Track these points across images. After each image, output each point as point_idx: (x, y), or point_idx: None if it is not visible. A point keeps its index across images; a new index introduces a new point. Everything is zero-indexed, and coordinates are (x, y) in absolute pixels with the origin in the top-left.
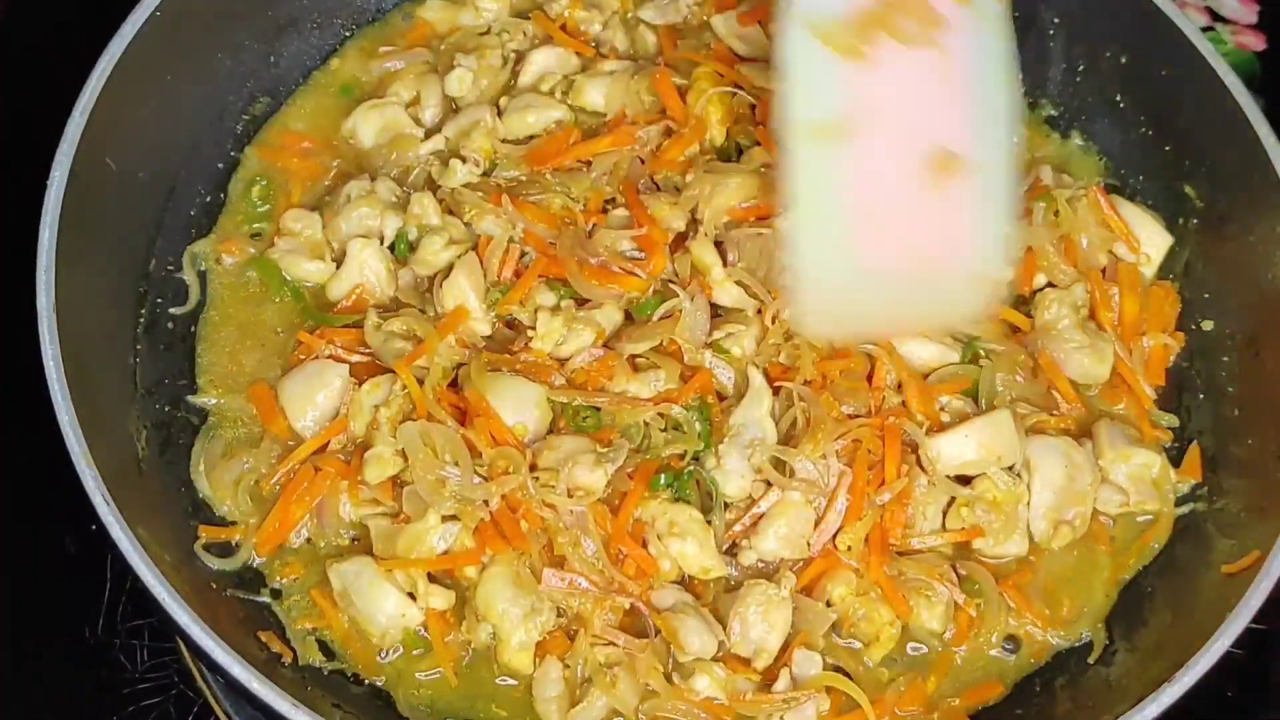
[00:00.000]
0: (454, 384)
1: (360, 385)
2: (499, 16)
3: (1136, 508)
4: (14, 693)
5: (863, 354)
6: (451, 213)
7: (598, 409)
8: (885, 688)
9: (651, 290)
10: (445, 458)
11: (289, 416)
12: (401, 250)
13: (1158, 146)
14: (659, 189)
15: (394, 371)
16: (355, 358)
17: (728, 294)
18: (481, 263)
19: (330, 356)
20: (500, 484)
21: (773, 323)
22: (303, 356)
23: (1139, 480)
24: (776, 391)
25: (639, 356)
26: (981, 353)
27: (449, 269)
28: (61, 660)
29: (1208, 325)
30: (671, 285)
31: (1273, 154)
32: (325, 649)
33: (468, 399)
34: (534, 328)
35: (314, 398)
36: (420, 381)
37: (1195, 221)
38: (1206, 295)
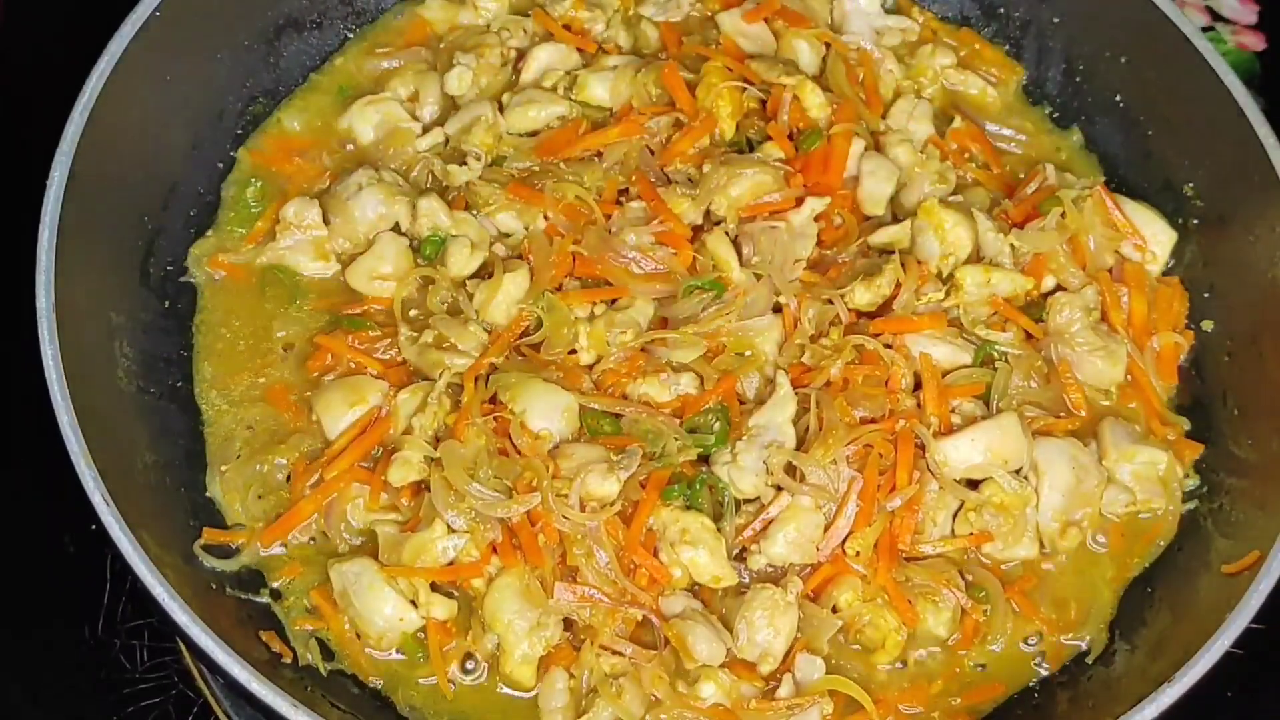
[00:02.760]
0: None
1: (395, 392)
2: (498, 15)
3: (1143, 506)
4: (14, 693)
5: (887, 359)
6: (469, 206)
7: (619, 416)
8: (889, 687)
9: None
10: (481, 474)
11: (324, 428)
12: (429, 254)
13: (1158, 146)
14: (670, 181)
15: (428, 379)
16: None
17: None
18: (530, 268)
19: (355, 363)
20: (523, 502)
21: (795, 324)
22: (326, 362)
23: (1145, 479)
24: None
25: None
26: (996, 355)
27: (477, 272)
28: (61, 660)
29: (1208, 325)
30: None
31: (1273, 154)
32: (325, 649)
33: (501, 406)
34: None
35: (350, 411)
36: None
37: (1195, 221)
38: (1207, 295)
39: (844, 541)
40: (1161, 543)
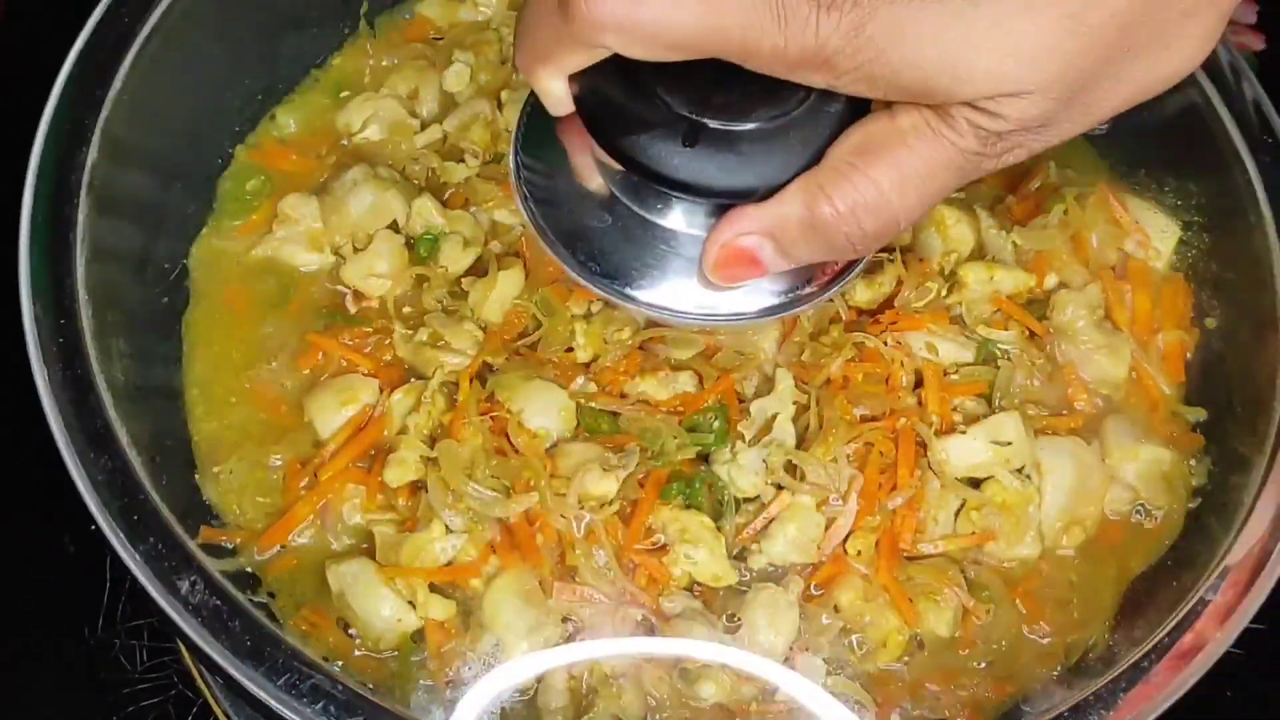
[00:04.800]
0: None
1: (389, 392)
2: (498, 12)
3: (1147, 504)
4: (13, 693)
5: (888, 357)
6: (467, 203)
7: (617, 415)
8: (891, 686)
9: None
10: (478, 474)
11: (317, 428)
12: (423, 252)
13: (1159, 143)
14: None
15: (422, 378)
16: (367, 359)
17: None
18: (525, 265)
19: (347, 361)
20: (522, 500)
21: (794, 321)
22: (318, 360)
23: (1149, 477)
24: None
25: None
26: (998, 354)
27: (472, 270)
28: (61, 660)
29: (1211, 323)
30: None
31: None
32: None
33: (497, 405)
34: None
35: (343, 411)
36: (450, 384)
37: (1198, 218)
38: (1210, 292)
39: (845, 541)
40: (1166, 541)
